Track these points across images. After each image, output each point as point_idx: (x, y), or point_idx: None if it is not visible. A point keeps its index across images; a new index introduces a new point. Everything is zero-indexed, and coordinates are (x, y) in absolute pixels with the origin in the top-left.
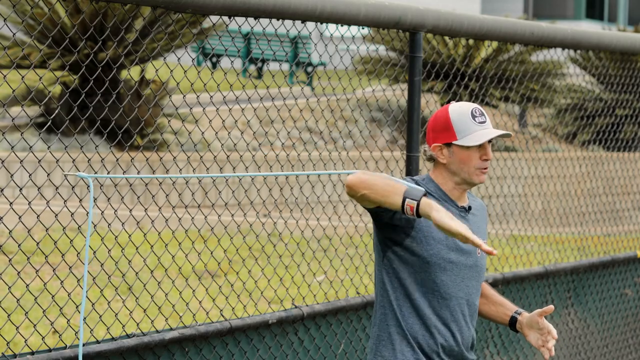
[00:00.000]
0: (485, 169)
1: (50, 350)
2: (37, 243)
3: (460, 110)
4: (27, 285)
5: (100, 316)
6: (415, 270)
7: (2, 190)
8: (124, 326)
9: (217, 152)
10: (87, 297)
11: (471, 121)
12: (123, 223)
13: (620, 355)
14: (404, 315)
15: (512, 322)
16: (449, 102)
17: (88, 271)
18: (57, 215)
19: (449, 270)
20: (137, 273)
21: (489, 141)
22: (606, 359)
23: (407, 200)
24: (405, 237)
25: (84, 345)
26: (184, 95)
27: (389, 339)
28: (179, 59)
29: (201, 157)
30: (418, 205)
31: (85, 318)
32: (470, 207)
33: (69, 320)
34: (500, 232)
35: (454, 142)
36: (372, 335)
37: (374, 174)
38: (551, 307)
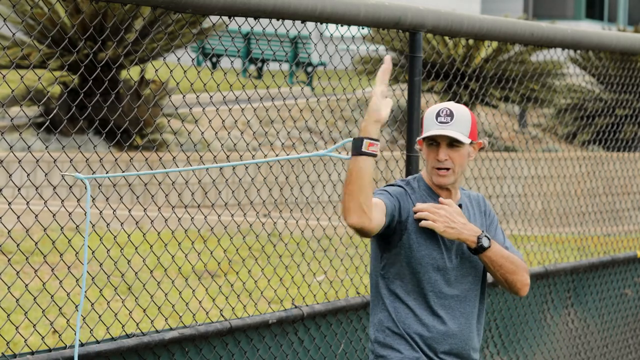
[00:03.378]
0: (440, 170)
1: (50, 350)
2: (36, 243)
3: (432, 108)
4: (27, 285)
5: (100, 316)
6: (410, 272)
7: (1, 190)
8: (123, 326)
9: (217, 152)
10: (86, 297)
11: (433, 119)
12: (122, 223)
13: (620, 355)
14: (401, 316)
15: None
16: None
17: (87, 271)
18: (54, 215)
19: (442, 269)
20: (136, 273)
21: (453, 145)
22: (606, 359)
23: (362, 151)
24: (398, 241)
25: (83, 345)
26: (184, 95)
27: (388, 340)
28: (178, 59)
29: (201, 157)
30: (363, 140)
31: (84, 318)
32: (460, 206)
33: (68, 320)
34: None
35: (419, 137)
36: (371, 339)
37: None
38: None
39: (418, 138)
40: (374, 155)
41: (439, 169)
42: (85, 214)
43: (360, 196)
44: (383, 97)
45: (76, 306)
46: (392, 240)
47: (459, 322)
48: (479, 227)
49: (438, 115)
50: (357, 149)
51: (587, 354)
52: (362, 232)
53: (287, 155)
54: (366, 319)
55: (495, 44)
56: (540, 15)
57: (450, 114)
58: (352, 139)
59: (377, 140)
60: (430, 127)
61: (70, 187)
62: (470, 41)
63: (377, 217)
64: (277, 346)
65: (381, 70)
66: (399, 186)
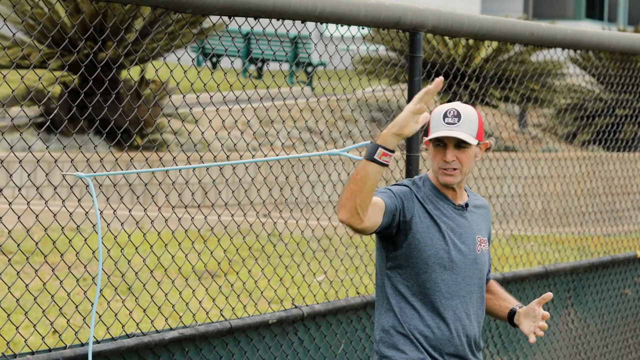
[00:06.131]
0: (447, 170)
1: (50, 350)
2: (37, 243)
3: (439, 109)
4: (27, 285)
5: (100, 316)
6: (416, 272)
7: (1, 190)
8: (123, 326)
9: (217, 152)
10: (86, 297)
11: (441, 120)
12: (122, 223)
13: (620, 355)
14: (406, 317)
15: (511, 315)
16: (448, 102)
17: (87, 271)
18: (55, 215)
19: (449, 269)
20: (136, 273)
21: (460, 146)
22: (606, 359)
23: (374, 158)
24: (404, 241)
25: (83, 345)
26: (184, 95)
27: (393, 340)
28: (179, 59)
29: (201, 157)
30: (378, 147)
31: (84, 318)
32: (467, 205)
33: (68, 320)
34: (500, 232)
35: (426, 138)
36: (375, 339)
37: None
38: (549, 294)
39: (425, 139)
40: (385, 166)
41: (445, 169)
42: (86, 214)
43: (358, 198)
44: (413, 115)
45: (79, 307)
46: (397, 240)
47: (464, 323)
48: (484, 233)
49: (445, 116)
50: (370, 155)
51: (587, 354)
52: (351, 228)
53: (291, 154)
54: (366, 319)
55: (495, 44)
56: (540, 15)
57: (458, 115)
58: (370, 142)
59: (392, 151)
60: (438, 128)
61: (71, 187)
62: (470, 41)
63: (372, 218)
64: (277, 346)
65: (424, 90)
66: (405, 185)
